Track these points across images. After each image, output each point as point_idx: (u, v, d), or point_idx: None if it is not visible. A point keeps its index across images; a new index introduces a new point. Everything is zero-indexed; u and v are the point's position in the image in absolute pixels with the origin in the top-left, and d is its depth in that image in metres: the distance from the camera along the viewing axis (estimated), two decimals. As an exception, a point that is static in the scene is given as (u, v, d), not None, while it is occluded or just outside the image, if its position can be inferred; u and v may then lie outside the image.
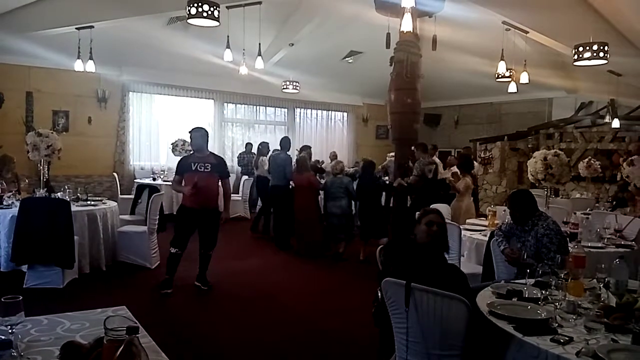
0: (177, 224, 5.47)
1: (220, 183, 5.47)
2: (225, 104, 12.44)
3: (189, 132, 5.44)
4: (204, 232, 5.39)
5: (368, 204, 7.19)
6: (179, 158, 10.31)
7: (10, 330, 1.72)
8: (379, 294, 2.71)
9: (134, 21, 8.10)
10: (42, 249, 5.07)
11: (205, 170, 5.25)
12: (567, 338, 2.11)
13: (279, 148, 8.51)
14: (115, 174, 10.01)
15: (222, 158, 5.68)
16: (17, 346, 1.71)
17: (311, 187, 7.38)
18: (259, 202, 9.47)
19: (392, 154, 10.21)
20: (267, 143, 9.53)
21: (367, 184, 7.28)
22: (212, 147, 11.88)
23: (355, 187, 7.35)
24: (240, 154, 11.39)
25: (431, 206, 6.15)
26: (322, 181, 9.68)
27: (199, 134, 5.34)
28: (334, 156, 11.48)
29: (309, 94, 12.53)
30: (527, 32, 7.61)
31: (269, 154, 9.00)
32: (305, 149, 9.71)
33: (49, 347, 1.81)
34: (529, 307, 2.49)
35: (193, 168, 5.23)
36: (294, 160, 8.05)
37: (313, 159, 10.53)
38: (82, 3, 7.62)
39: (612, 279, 2.79)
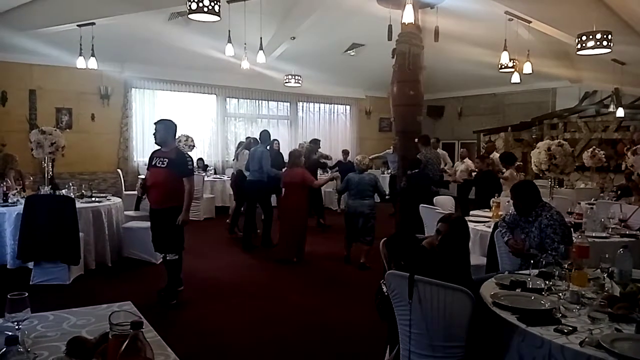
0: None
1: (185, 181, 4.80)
2: (228, 99, 12.44)
3: (154, 124, 4.91)
4: (161, 233, 4.88)
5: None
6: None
7: (17, 327, 1.74)
8: (383, 287, 2.71)
9: (135, 17, 8.10)
10: (48, 246, 5.11)
11: (161, 166, 4.77)
12: (570, 328, 2.11)
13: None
14: (119, 170, 10.04)
15: (185, 155, 4.91)
16: (23, 342, 1.72)
17: (304, 185, 6.74)
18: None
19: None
20: (257, 139, 8.32)
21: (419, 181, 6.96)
22: (216, 142, 12.08)
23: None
24: None
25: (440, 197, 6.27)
26: (325, 176, 9.64)
27: (162, 126, 4.82)
28: (345, 153, 11.46)
29: (312, 88, 12.51)
30: (530, 22, 7.56)
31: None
32: (314, 142, 9.63)
33: (55, 343, 1.83)
34: (532, 298, 2.49)
35: (152, 163, 4.86)
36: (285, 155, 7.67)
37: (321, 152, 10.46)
38: (83, 0, 7.62)
39: (616, 268, 2.78)
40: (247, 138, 11.14)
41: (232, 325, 4.36)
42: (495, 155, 8.89)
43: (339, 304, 4.96)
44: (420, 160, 7.21)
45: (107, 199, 6.41)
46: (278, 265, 6.47)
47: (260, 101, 12.97)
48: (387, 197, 7.38)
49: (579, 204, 5.62)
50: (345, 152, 11.58)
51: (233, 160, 11.29)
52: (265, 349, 3.89)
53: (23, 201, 5.36)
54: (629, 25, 7.30)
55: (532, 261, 3.07)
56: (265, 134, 7.72)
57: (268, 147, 7.71)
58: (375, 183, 6.58)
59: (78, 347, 1.66)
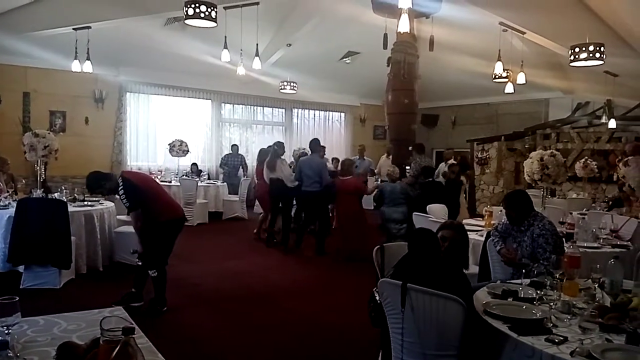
0: None
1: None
2: (223, 104, 12.45)
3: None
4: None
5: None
6: (176, 159, 10.42)
7: (6, 331, 1.72)
8: (375, 295, 2.71)
9: (131, 22, 8.11)
10: (39, 250, 5.06)
11: None
12: (561, 338, 2.12)
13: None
14: (112, 174, 9.98)
15: (120, 190, 4.52)
16: (13, 347, 1.71)
17: (357, 192, 7.18)
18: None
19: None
20: (283, 143, 8.20)
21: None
22: (210, 147, 12.07)
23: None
24: (226, 155, 11.43)
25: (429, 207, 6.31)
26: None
27: (92, 183, 4.65)
28: (336, 161, 11.50)
29: (307, 95, 12.55)
30: (524, 33, 7.64)
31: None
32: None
33: (46, 348, 1.81)
34: (524, 307, 2.50)
35: None
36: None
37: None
38: (79, 4, 7.62)
39: (607, 279, 2.80)
40: (234, 147, 11.15)
41: (224, 331, 4.34)
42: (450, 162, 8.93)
43: (338, 310, 4.94)
44: (433, 168, 7.36)
45: (100, 203, 6.36)
46: (273, 271, 6.46)
47: (255, 107, 12.99)
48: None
49: (571, 214, 5.66)
50: (336, 160, 11.61)
51: (221, 168, 11.31)
52: (259, 356, 3.88)
53: (15, 204, 5.32)
54: (621, 38, 7.39)
55: (524, 270, 3.08)
56: (315, 143, 7.73)
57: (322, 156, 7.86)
58: (407, 191, 6.95)
59: (68, 353, 1.65)
